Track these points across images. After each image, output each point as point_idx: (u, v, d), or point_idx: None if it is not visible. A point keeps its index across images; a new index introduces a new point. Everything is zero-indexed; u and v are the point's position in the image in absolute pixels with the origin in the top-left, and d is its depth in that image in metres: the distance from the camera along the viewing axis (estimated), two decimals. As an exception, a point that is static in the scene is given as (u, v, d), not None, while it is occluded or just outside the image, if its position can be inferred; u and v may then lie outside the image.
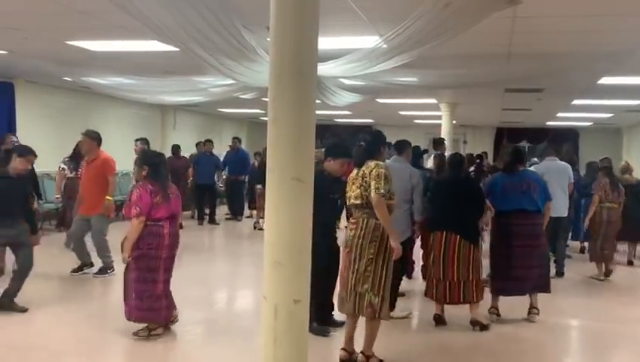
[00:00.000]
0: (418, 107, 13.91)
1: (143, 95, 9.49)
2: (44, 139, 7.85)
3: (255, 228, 11.31)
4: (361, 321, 4.36)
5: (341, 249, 4.57)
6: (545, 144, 18.82)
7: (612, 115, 14.22)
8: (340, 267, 4.46)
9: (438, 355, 4.85)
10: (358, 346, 4.35)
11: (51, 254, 7.73)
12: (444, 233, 5.27)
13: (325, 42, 4.05)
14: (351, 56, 6.08)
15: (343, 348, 4.39)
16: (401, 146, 5.94)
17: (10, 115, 10.66)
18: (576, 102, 11.80)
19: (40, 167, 7.57)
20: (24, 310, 5.43)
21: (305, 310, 3.51)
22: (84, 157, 7.30)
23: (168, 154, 14.46)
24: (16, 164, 5.48)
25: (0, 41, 7.49)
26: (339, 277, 4.53)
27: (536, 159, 9.77)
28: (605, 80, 8.66)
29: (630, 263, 8.97)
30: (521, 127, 18.99)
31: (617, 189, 7.98)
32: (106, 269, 6.97)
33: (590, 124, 17.28)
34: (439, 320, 5.43)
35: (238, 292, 7.01)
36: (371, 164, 4.27)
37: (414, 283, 6.85)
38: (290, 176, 3.39)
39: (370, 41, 5.78)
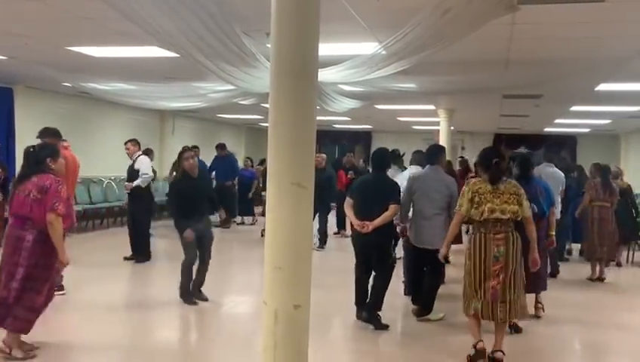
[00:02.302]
0: (416, 113, 13.94)
1: (142, 100, 9.50)
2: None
3: (262, 235, 11.28)
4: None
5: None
6: (543, 151, 19.01)
7: (610, 121, 14.26)
8: (479, 279, 4.62)
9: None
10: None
11: None
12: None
13: (325, 48, 4.08)
14: (350, 63, 6.11)
15: (480, 340, 4.61)
16: (434, 155, 6.16)
17: (9, 121, 10.68)
18: (574, 108, 11.84)
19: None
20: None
21: (305, 315, 3.52)
22: None
23: (171, 159, 14.53)
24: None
25: (0, 47, 7.51)
26: (482, 289, 4.60)
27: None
28: (604, 86, 8.69)
29: (619, 264, 9.27)
30: (519, 133, 19.03)
31: (609, 189, 8.20)
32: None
33: (588, 130, 17.33)
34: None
35: (237, 298, 7.00)
36: (514, 181, 4.82)
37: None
38: (291, 181, 3.40)
39: (369, 47, 5.81)
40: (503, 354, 4.61)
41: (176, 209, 6.22)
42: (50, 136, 5.74)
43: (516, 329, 5.47)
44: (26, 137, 7.87)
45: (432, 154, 6.19)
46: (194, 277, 6.18)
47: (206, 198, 6.36)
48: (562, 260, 8.91)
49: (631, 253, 9.72)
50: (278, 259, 3.44)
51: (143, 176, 8.22)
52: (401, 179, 6.45)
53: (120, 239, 10.67)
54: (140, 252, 8.32)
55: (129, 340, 5.08)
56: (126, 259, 8.30)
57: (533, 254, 4.76)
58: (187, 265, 6.09)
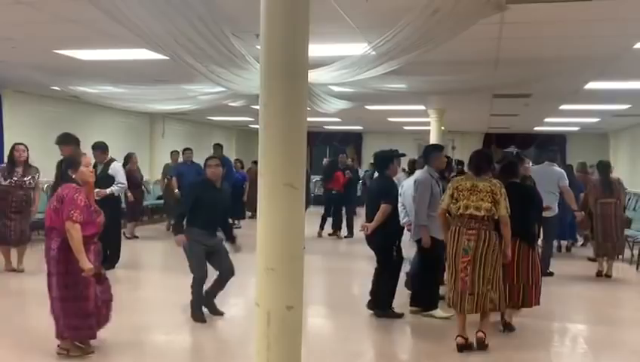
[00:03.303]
0: (407, 113, 13.97)
1: (132, 103, 9.45)
2: (32, 149, 7.75)
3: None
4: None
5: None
6: (533, 150, 19.13)
7: (599, 119, 14.37)
8: (452, 270, 4.96)
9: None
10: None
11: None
12: None
13: (314, 49, 4.08)
14: (340, 63, 6.11)
15: (459, 335, 4.92)
16: (424, 155, 6.37)
17: (-3, 125, 10.62)
18: (563, 107, 11.92)
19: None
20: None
21: (298, 316, 3.51)
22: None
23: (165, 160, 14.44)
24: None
25: (-13, 51, 7.46)
26: (453, 279, 4.95)
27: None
28: (592, 85, 8.75)
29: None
30: (510, 132, 19.12)
31: (610, 186, 8.34)
32: None
33: (577, 128, 17.45)
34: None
35: (229, 299, 6.97)
36: (495, 181, 4.97)
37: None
38: (282, 181, 3.40)
39: (359, 48, 5.81)
40: (484, 334, 4.92)
41: (182, 213, 5.79)
42: (66, 142, 5.89)
43: (509, 329, 5.49)
44: (13, 141, 7.79)
45: (424, 155, 6.42)
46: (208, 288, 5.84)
47: (225, 213, 6.11)
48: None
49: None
50: (270, 260, 3.43)
51: (120, 185, 7.87)
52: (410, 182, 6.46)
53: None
54: (112, 259, 7.98)
55: (120, 341, 5.04)
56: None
57: (506, 250, 4.93)
58: (197, 283, 5.66)
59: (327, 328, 5.72)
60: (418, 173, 6.25)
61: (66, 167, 4.59)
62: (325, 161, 15.20)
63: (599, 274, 8.26)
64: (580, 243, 11.07)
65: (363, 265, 9.27)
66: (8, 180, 7.46)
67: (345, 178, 11.75)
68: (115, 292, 4.80)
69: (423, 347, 5.32)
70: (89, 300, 4.44)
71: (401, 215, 6.13)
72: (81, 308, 4.42)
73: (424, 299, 6.03)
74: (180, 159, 12.23)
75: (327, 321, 5.80)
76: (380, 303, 5.93)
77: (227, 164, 12.86)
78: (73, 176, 4.53)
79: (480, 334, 4.93)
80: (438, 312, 5.92)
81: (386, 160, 6.07)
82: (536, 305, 5.47)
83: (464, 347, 4.89)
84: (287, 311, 3.42)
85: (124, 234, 10.81)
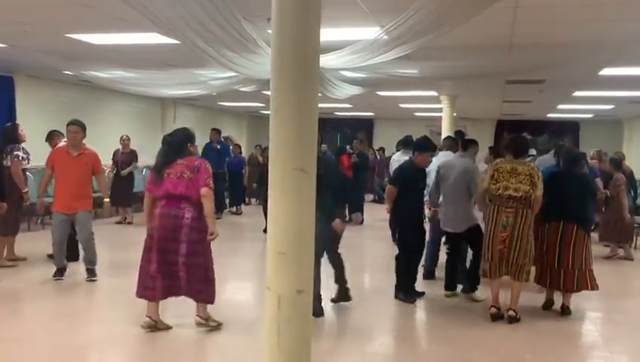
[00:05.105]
0: (419, 100, 13.88)
1: (143, 88, 9.47)
2: (45, 134, 7.80)
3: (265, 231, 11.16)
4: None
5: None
6: (545, 136, 18.96)
7: (613, 106, 14.19)
8: (489, 243, 5.42)
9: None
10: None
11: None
12: (562, 223, 5.56)
13: (326, 33, 4.04)
14: (351, 48, 6.07)
15: (493, 306, 5.43)
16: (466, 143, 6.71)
17: (10, 110, 10.66)
18: (577, 93, 11.78)
19: (39, 161, 7.52)
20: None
21: (308, 300, 3.51)
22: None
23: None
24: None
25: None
26: (490, 252, 5.41)
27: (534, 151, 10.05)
28: (607, 71, 8.64)
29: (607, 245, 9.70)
30: (522, 119, 18.96)
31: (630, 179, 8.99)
32: (94, 271, 6.58)
33: (591, 115, 17.25)
34: (549, 305, 5.87)
35: (240, 284, 7.02)
36: (532, 165, 5.49)
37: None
38: (293, 166, 3.38)
39: (370, 32, 5.77)
40: (515, 312, 5.34)
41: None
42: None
43: (567, 312, 5.67)
44: (27, 126, 7.83)
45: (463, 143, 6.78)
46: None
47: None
48: None
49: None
50: (281, 244, 3.43)
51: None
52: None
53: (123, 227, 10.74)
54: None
55: (132, 328, 5.10)
56: (49, 256, 7.16)
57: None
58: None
59: (337, 312, 5.74)
60: (467, 161, 6.33)
61: (185, 141, 4.92)
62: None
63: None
64: None
65: (372, 250, 9.31)
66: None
67: (349, 161, 11.65)
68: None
69: (440, 327, 5.37)
70: (211, 267, 4.89)
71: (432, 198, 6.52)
72: (207, 275, 4.84)
73: (466, 283, 6.21)
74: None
75: (337, 305, 5.82)
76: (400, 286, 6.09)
77: (224, 148, 12.83)
78: (191, 150, 4.93)
79: (511, 312, 5.34)
80: (478, 294, 6.11)
81: (419, 147, 6.12)
82: (594, 289, 5.66)
83: (497, 317, 5.36)
84: (298, 294, 3.43)
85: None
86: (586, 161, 9.47)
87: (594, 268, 5.75)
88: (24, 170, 7.24)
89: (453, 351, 4.75)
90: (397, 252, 6.15)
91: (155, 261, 4.76)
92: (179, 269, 4.75)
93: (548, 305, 5.88)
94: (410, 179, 6.00)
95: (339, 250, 5.70)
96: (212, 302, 4.96)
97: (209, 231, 4.74)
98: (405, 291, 6.07)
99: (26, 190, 7.09)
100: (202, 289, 4.85)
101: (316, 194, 3.51)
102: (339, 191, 5.35)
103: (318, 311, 5.24)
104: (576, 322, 5.65)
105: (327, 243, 5.36)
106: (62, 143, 6.79)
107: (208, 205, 4.73)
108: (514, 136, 5.88)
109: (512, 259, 5.31)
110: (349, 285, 5.77)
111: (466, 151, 6.51)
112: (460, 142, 6.98)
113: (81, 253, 6.81)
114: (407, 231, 6.01)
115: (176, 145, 4.89)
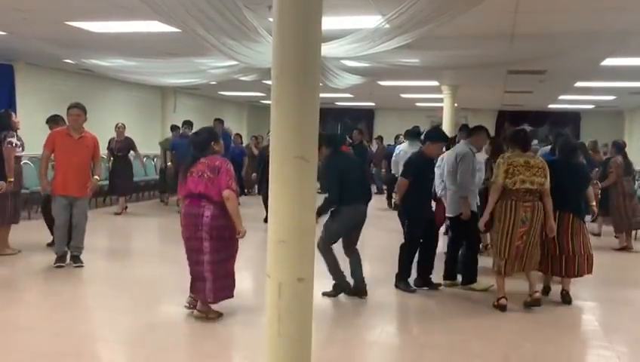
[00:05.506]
0: (420, 90, 13.85)
1: (143, 76, 9.43)
2: (45, 123, 7.78)
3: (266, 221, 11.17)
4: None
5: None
6: (546, 127, 18.93)
7: (615, 97, 14.16)
8: (506, 240, 5.34)
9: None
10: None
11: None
12: (558, 212, 5.61)
13: (327, 22, 4.02)
14: (353, 37, 6.04)
15: (503, 297, 5.43)
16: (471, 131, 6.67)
17: (10, 98, 10.63)
18: (578, 84, 11.75)
19: (39, 150, 7.48)
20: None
21: (309, 288, 3.52)
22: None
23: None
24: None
25: (-1, 22, 7.45)
26: (507, 249, 5.35)
27: (536, 142, 10.11)
28: (609, 61, 8.61)
29: (598, 234, 9.73)
30: (523, 110, 18.92)
31: (629, 166, 8.92)
32: (79, 258, 6.64)
33: (592, 106, 17.21)
34: (547, 291, 6.02)
35: (240, 273, 7.02)
36: (540, 158, 5.53)
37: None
38: (294, 154, 3.38)
39: (372, 20, 5.73)
40: (539, 292, 5.51)
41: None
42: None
43: (567, 298, 5.73)
44: (27, 115, 7.80)
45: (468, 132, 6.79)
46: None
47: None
48: None
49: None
50: (282, 232, 3.43)
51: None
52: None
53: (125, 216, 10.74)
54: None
55: (129, 315, 5.11)
56: (49, 245, 7.37)
57: (549, 221, 5.41)
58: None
59: (337, 300, 5.75)
60: (459, 147, 6.36)
61: (209, 140, 4.94)
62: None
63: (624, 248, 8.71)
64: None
65: (371, 240, 9.31)
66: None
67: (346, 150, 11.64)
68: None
69: (439, 316, 5.39)
70: (232, 260, 5.00)
71: (439, 188, 6.60)
72: (228, 269, 4.95)
73: (464, 273, 6.22)
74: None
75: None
76: (400, 275, 6.09)
77: (226, 138, 12.82)
78: (216, 149, 4.94)
79: (537, 294, 5.47)
80: (479, 284, 6.13)
81: (431, 137, 6.15)
82: (589, 273, 5.79)
83: (506, 307, 5.39)
84: (299, 282, 3.43)
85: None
86: (584, 151, 9.57)
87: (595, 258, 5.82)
88: (19, 158, 7.18)
89: (453, 339, 4.77)
90: (402, 241, 6.13)
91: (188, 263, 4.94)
92: (204, 269, 4.82)
93: (545, 291, 5.97)
94: (421, 170, 6.00)
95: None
96: (231, 297, 5.04)
97: (236, 230, 4.83)
98: (406, 282, 6.07)
99: (11, 179, 6.76)
100: (225, 285, 4.94)
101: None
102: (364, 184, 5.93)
103: (344, 287, 5.71)
104: (576, 311, 5.69)
105: (350, 235, 5.72)
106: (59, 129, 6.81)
107: (232, 206, 4.77)
108: (516, 130, 5.91)
109: (528, 253, 5.38)
110: (365, 282, 5.80)
111: (469, 138, 6.47)
112: (465, 131, 7.12)
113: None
114: (415, 222, 6.00)
115: (201, 144, 4.95)
